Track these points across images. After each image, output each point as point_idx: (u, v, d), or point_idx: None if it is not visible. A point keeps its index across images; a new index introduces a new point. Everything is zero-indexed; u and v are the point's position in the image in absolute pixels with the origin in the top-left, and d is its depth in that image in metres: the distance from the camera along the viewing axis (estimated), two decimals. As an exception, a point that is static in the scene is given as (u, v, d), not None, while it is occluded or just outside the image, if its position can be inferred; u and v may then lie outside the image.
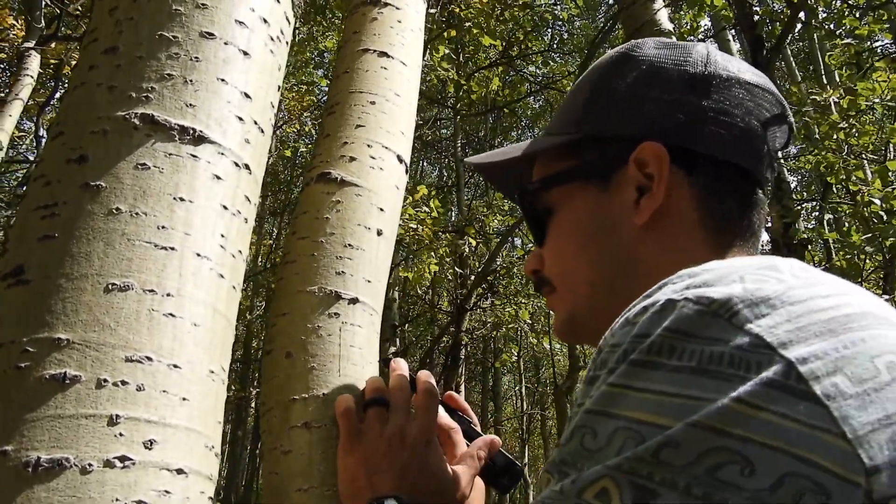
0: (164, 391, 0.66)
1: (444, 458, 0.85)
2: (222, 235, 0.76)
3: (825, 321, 0.43)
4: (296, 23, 0.99)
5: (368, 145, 1.07)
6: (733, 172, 0.69)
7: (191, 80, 0.77)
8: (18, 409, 0.60)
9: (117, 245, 0.68)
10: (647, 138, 0.68)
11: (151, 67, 0.76)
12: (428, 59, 8.13)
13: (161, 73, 0.76)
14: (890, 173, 4.47)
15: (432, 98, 11.30)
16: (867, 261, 5.14)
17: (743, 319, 0.43)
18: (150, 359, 0.66)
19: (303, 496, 0.84)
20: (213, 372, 0.72)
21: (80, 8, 6.66)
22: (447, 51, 8.60)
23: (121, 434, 0.62)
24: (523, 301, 9.28)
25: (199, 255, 0.73)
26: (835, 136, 4.96)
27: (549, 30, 13.39)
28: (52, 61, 7.41)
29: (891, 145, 5.41)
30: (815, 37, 8.38)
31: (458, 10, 7.68)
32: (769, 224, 3.92)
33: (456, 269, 8.97)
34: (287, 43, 0.94)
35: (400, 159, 1.12)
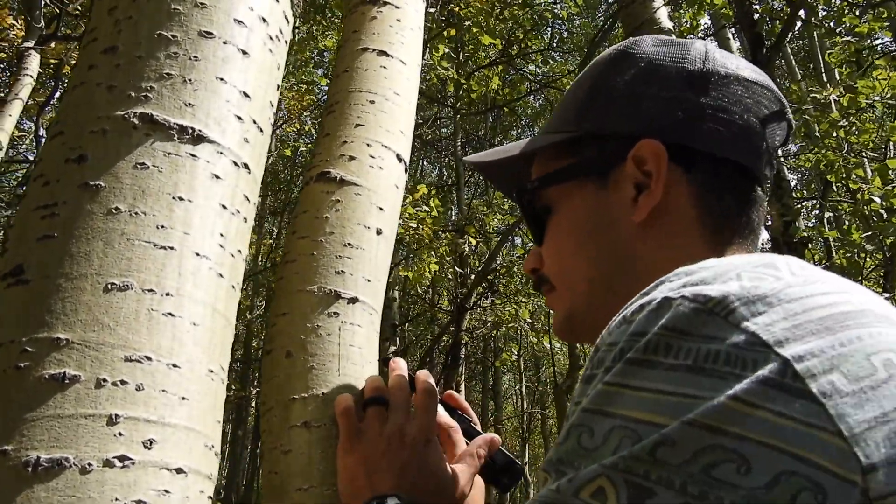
0: (163, 391, 0.66)
1: (444, 457, 0.85)
2: (221, 235, 0.76)
3: (822, 319, 0.43)
4: (295, 22, 0.98)
5: (368, 144, 1.07)
6: (732, 170, 0.69)
7: (190, 80, 0.77)
8: (18, 408, 0.60)
9: (116, 245, 0.68)
10: (646, 136, 0.68)
11: (150, 67, 0.76)
12: (428, 58, 8.13)
13: (160, 73, 0.76)
14: (890, 171, 4.47)
15: (432, 97, 11.30)
16: (867, 259, 5.14)
17: (739, 317, 0.43)
18: (149, 358, 0.66)
19: (303, 495, 0.84)
20: (212, 371, 0.72)
21: (79, 7, 6.66)
22: (447, 50, 8.59)
23: (120, 434, 0.62)
24: (523, 300, 9.29)
25: (198, 254, 0.73)
26: (835, 135, 4.96)
27: (549, 28, 13.39)
28: (52, 61, 7.41)
29: (891, 143, 5.41)
30: (815, 35, 8.37)
31: (457, 8, 7.67)
32: (769, 222, 3.92)
33: (456, 268, 8.98)
34: (286, 42, 0.94)
35: (399, 158, 1.12)
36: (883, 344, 0.42)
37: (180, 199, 0.73)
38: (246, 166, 0.82)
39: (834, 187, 6.14)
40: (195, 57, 0.78)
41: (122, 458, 0.61)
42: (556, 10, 10.99)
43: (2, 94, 5.90)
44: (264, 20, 0.87)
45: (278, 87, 0.93)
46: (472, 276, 9.02)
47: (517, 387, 17.54)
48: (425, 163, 16.87)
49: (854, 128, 5.07)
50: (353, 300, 0.96)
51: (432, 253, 6.94)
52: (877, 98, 4.94)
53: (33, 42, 5.88)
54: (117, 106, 0.74)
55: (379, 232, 1.03)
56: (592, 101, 0.74)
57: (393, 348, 7.73)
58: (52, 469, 0.58)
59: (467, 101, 9.97)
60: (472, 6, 7.70)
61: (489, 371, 15.49)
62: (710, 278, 0.47)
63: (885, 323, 0.44)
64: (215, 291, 0.74)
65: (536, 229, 0.78)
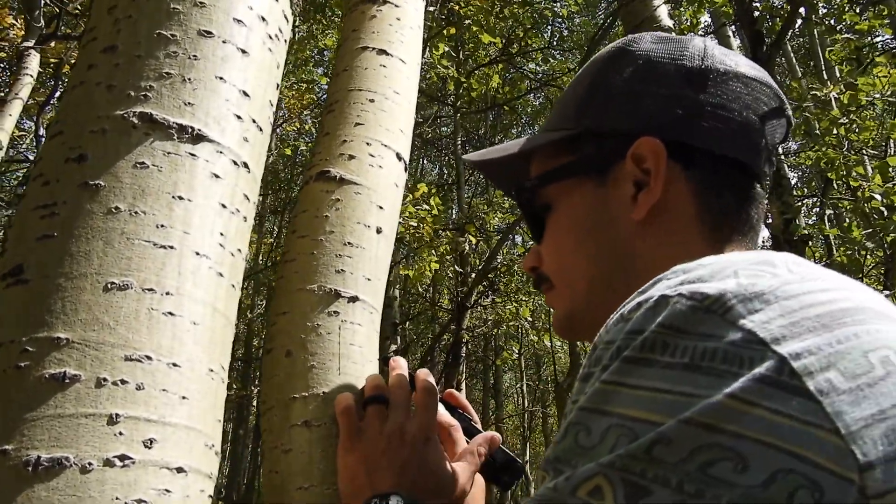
0: (163, 390, 0.66)
1: (444, 456, 0.85)
2: (221, 234, 0.76)
3: (819, 316, 0.43)
4: (294, 21, 0.98)
5: (368, 143, 1.07)
6: (731, 167, 0.69)
7: (189, 79, 0.77)
8: (18, 408, 0.60)
9: (116, 244, 0.68)
10: (645, 133, 0.68)
11: (150, 66, 0.76)
12: (428, 57, 8.12)
13: (159, 72, 0.76)
14: (890, 169, 4.47)
15: (432, 96, 11.30)
16: (868, 257, 5.14)
17: (736, 315, 0.43)
18: (149, 358, 0.66)
19: (303, 494, 0.84)
20: (212, 370, 0.72)
21: (79, 7, 6.66)
22: (447, 48, 8.58)
23: (120, 433, 0.62)
24: (524, 298, 9.29)
25: (198, 253, 0.73)
26: (835, 132, 4.96)
27: (549, 27, 13.38)
28: (52, 60, 7.42)
29: (891, 141, 5.40)
30: (816, 32, 8.37)
31: (457, 7, 7.67)
32: (770, 220, 3.91)
33: (456, 266, 8.98)
34: (285, 41, 0.94)
35: (399, 157, 1.12)
36: (880, 341, 0.42)
37: (180, 198, 0.73)
38: (245, 165, 0.82)
39: (834, 185, 6.14)
40: (194, 56, 0.78)
41: (122, 458, 0.61)
42: (556, 9, 10.98)
43: (2, 94, 5.91)
44: (263, 19, 0.87)
45: (278, 86, 0.93)
46: (473, 275, 9.02)
47: (518, 385, 17.55)
48: (425, 161, 16.87)
49: (854, 125, 5.06)
50: (354, 299, 0.96)
51: (433, 251, 6.94)
52: (877, 95, 4.93)
53: (33, 41, 5.88)
54: (117, 105, 0.74)
55: (379, 231, 1.03)
56: (591, 99, 0.74)
57: (394, 347, 7.73)
58: (53, 468, 0.58)
59: (467, 100, 9.97)
60: (472, 4, 7.69)
61: (490, 369, 15.50)
62: (707, 276, 0.47)
63: (883, 320, 0.44)
64: (215, 290, 0.74)
65: (535, 227, 0.78)
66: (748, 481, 0.38)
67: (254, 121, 0.84)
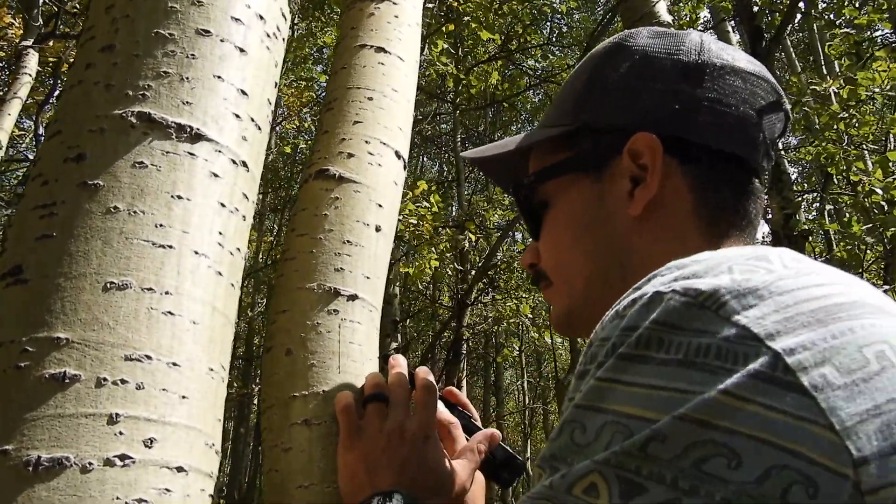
0: (163, 389, 0.66)
1: (444, 453, 0.85)
2: (220, 233, 0.76)
3: (814, 311, 0.43)
4: (293, 18, 0.98)
5: (366, 141, 1.07)
6: (728, 162, 0.69)
7: (187, 78, 0.77)
8: (18, 408, 0.60)
9: (115, 244, 0.68)
10: (641, 129, 0.68)
11: (148, 65, 0.76)
12: (427, 54, 8.11)
13: (157, 71, 0.76)
14: (890, 163, 4.46)
15: (431, 93, 11.29)
16: (868, 251, 5.14)
17: (730, 311, 0.43)
18: (149, 357, 0.66)
19: (303, 493, 0.84)
20: (212, 370, 0.72)
21: (77, 5, 6.65)
22: (446, 45, 8.57)
23: (121, 433, 0.62)
24: (524, 295, 9.29)
25: (197, 252, 0.73)
26: (835, 127, 4.96)
27: (548, 23, 13.37)
28: (51, 59, 7.41)
29: (891, 135, 5.40)
30: (815, 27, 8.36)
31: (456, 4, 7.66)
32: (770, 215, 3.91)
33: (456, 264, 8.98)
34: (283, 39, 0.94)
35: (398, 155, 1.12)
36: (876, 336, 0.42)
37: (179, 197, 0.73)
38: (244, 164, 0.82)
39: (834, 180, 6.14)
40: (192, 55, 0.78)
41: (122, 457, 0.61)
42: (555, 5, 10.97)
43: (1, 93, 5.90)
44: (261, 17, 0.87)
45: (276, 84, 0.93)
46: (473, 272, 9.02)
47: (519, 382, 17.57)
48: (425, 159, 16.87)
49: (854, 120, 5.06)
50: (353, 297, 0.96)
51: (433, 249, 6.94)
52: (877, 90, 4.93)
53: (32, 40, 5.87)
54: (115, 105, 0.74)
55: (378, 229, 1.03)
56: (588, 95, 0.74)
57: (394, 345, 7.74)
58: (53, 468, 0.58)
59: (467, 97, 9.96)
60: (471, 1, 7.68)
61: (491, 366, 15.51)
62: (701, 272, 0.47)
63: (879, 315, 0.44)
64: (214, 290, 0.74)
65: (533, 224, 0.78)
66: (742, 477, 0.38)
67: (252, 119, 0.84)
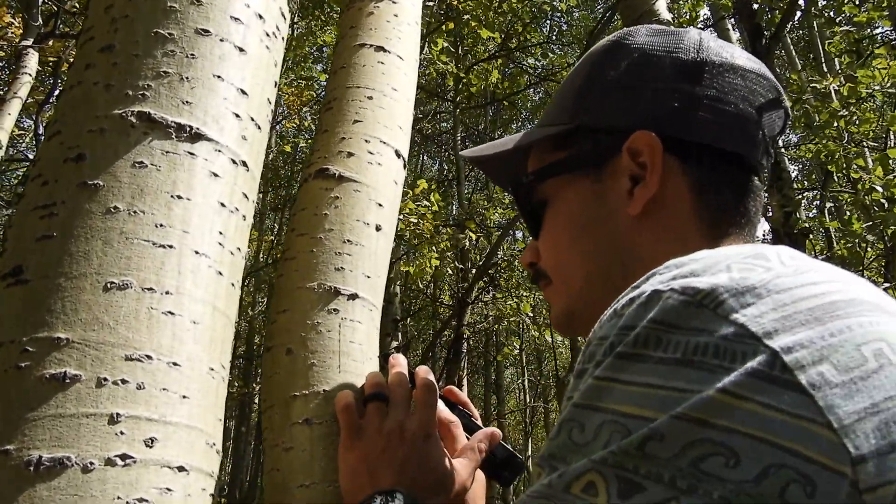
0: (164, 389, 0.66)
1: (445, 452, 0.85)
2: (220, 233, 0.76)
3: (811, 309, 0.43)
4: (293, 18, 0.98)
5: (366, 140, 1.07)
6: (728, 160, 0.69)
7: (187, 78, 0.77)
8: (19, 408, 0.60)
9: (116, 244, 0.68)
10: (641, 127, 0.68)
11: (147, 65, 0.76)
12: (427, 53, 8.11)
13: (157, 71, 0.76)
14: (891, 161, 4.46)
15: (431, 91, 11.29)
16: (868, 249, 5.13)
17: (728, 309, 0.43)
18: (149, 357, 0.66)
19: (304, 492, 0.84)
20: (212, 369, 0.72)
21: (76, 5, 6.65)
22: (446, 44, 8.57)
23: (121, 432, 0.62)
24: (525, 294, 9.28)
25: (197, 252, 0.73)
26: (835, 124, 4.95)
27: (548, 21, 13.37)
28: (51, 59, 7.41)
29: (891, 133, 5.40)
30: (815, 24, 8.35)
31: (456, 2, 7.65)
32: (770, 213, 3.91)
33: (457, 263, 8.98)
34: (283, 39, 0.94)
35: (398, 154, 1.12)
36: (873, 333, 0.42)
37: (179, 197, 0.73)
38: (244, 164, 0.82)
39: (835, 177, 6.13)
40: (192, 55, 0.78)
41: (123, 457, 0.61)
42: (554, 3, 10.96)
43: (1, 93, 5.90)
44: (261, 17, 0.87)
45: (276, 83, 0.93)
46: (474, 271, 9.02)
47: (520, 381, 17.58)
48: (425, 157, 16.86)
49: (854, 117, 5.06)
50: (353, 297, 0.96)
51: (433, 248, 6.94)
52: (877, 87, 4.92)
53: (31, 40, 5.87)
54: (115, 105, 0.74)
55: (378, 228, 1.03)
56: (587, 94, 0.73)
57: (395, 343, 7.74)
58: (54, 468, 0.58)
59: (467, 95, 9.97)
60: (471, -1, 7.68)
61: (491, 365, 15.51)
62: (699, 270, 0.47)
63: (877, 312, 0.44)
64: (215, 289, 0.74)
65: (533, 223, 0.78)
66: (740, 476, 0.38)
67: (252, 119, 0.84)
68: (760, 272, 0.46)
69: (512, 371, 18.69)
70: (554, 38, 13.26)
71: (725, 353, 0.41)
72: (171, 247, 0.71)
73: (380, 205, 1.05)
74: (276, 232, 14.74)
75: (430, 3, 7.19)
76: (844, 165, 4.99)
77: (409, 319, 12.98)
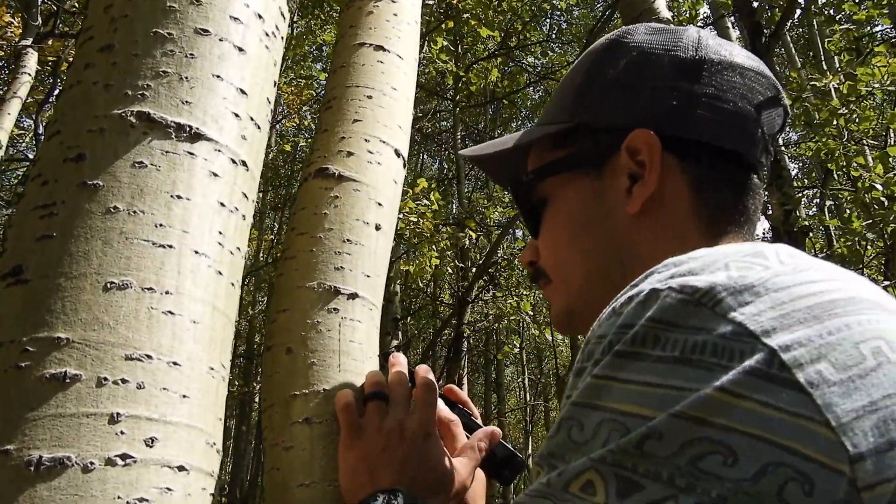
0: (164, 389, 0.66)
1: (445, 451, 0.85)
2: (220, 232, 0.76)
3: (810, 307, 0.43)
4: (292, 17, 0.98)
5: (366, 140, 1.07)
6: (727, 158, 0.69)
7: (186, 77, 0.77)
8: (19, 408, 0.60)
9: (115, 243, 0.68)
10: (640, 126, 0.68)
11: (147, 65, 0.76)
12: (426, 51, 8.10)
13: (156, 71, 0.76)
14: (891, 159, 4.46)
15: (431, 90, 11.28)
16: (868, 247, 5.13)
17: (726, 308, 0.43)
18: (149, 357, 0.66)
19: (304, 491, 0.84)
20: (212, 369, 0.73)
21: (76, 4, 6.64)
22: (445, 42, 8.57)
23: (122, 432, 0.62)
24: (525, 293, 9.29)
25: (197, 252, 0.73)
26: (835, 123, 4.95)
27: (548, 20, 13.36)
28: (50, 58, 7.40)
29: (891, 131, 5.39)
30: (815, 22, 8.34)
31: (455, 1, 7.65)
32: (770, 212, 3.91)
33: (457, 261, 8.97)
34: (282, 38, 0.94)
35: (398, 153, 1.12)
36: (872, 332, 0.42)
37: (178, 197, 0.73)
38: (244, 163, 0.82)
39: (834, 175, 6.13)
40: (191, 54, 0.78)
41: (123, 457, 0.61)
42: (554, 1, 10.95)
43: (0, 92, 5.90)
44: (260, 17, 0.87)
45: (275, 83, 0.93)
46: (474, 270, 9.02)
47: (520, 379, 17.59)
48: (425, 156, 16.86)
49: (854, 115, 5.06)
50: (353, 296, 0.96)
51: (433, 247, 6.94)
52: (876, 85, 4.92)
53: (31, 40, 5.87)
54: (114, 105, 0.74)
55: (378, 227, 1.03)
56: (586, 92, 0.73)
57: (395, 342, 7.74)
58: (55, 468, 0.59)
59: (466, 94, 9.96)
60: (470, -2, 7.67)
61: (492, 364, 15.51)
62: (697, 269, 0.47)
63: (876, 310, 0.44)
64: (215, 289, 0.75)
65: (532, 222, 0.78)
66: (738, 475, 0.38)
67: (252, 119, 0.84)
68: (759, 270, 0.46)
69: (512, 369, 18.70)
70: (553, 36, 13.25)
71: (724, 351, 0.41)
72: (170, 246, 0.71)
73: (379, 204, 1.05)
74: (276, 231, 14.74)
75: (430, 2, 7.19)
76: (844, 163, 4.99)
77: (409, 318, 12.98)
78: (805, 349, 0.40)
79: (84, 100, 0.75)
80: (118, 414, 0.62)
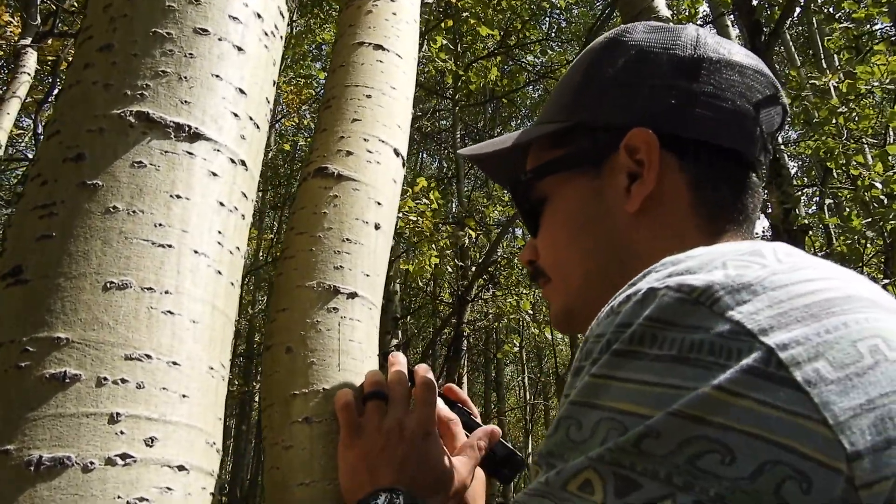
0: (163, 388, 0.66)
1: (444, 450, 0.85)
2: (219, 232, 0.76)
3: (807, 306, 0.43)
4: (291, 16, 0.98)
5: (365, 139, 1.07)
6: (726, 156, 0.69)
7: (185, 77, 0.77)
8: (19, 408, 0.60)
9: (115, 243, 0.68)
10: (638, 124, 0.68)
11: (146, 65, 0.76)
12: (426, 50, 8.10)
13: (156, 70, 0.76)
14: (890, 157, 4.46)
15: (431, 89, 11.28)
16: (868, 245, 5.14)
17: (724, 306, 0.43)
18: (149, 356, 0.66)
19: (304, 490, 0.84)
20: (212, 368, 0.73)
21: (75, 4, 6.64)
22: (445, 41, 8.56)
23: (122, 432, 0.62)
24: (524, 291, 9.29)
25: (196, 252, 0.73)
26: (834, 121, 4.95)
27: (547, 18, 13.35)
28: (49, 58, 7.40)
29: (890, 129, 5.40)
30: (815, 21, 8.34)
31: (454, 0, 7.64)
32: (769, 210, 3.91)
33: (457, 260, 8.97)
34: (281, 38, 0.94)
35: (397, 153, 1.12)
36: (870, 330, 0.42)
37: (178, 196, 0.73)
38: (243, 163, 0.82)
39: (834, 174, 6.13)
40: (190, 54, 0.78)
41: (123, 456, 0.61)
42: (553, 0, 10.94)
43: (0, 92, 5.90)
44: (259, 16, 0.87)
45: (274, 83, 0.93)
46: (473, 269, 9.02)
47: (520, 378, 17.59)
48: (425, 155, 16.86)
49: (854, 114, 5.06)
50: (353, 295, 0.96)
51: (433, 246, 6.94)
52: (876, 84, 4.92)
53: (30, 39, 5.87)
54: (114, 104, 0.74)
55: (377, 227, 1.03)
56: (585, 91, 0.73)
57: (395, 341, 7.74)
58: (55, 468, 0.59)
59: (466, 93, 9.95)
60: (470, -3, 7.67)
61: (491, 363, 15.52)
62: (695, 268, 0.47)
63: (874, 308, 0.44)
64: (214, 289, 0.75)
65: (531, 221, 0.78)
66: (736, 473, 0.38)
67: (251, 118, 0.84)
68: (756, 269, 0.46)
69: (512, 368, 18.70)
70: (553, 35, 13.25)
71: (721, 350, 0.41)
72: (170, 246, 0.71)
73: (379, 203, 1.05)
74: (276, 230, 14.74)
75: (429, 1, 7.18)
76: (844, 162, 4.99)
77: (408, 317, 12.98)
78: (802, 347, 0.40)
79: (83, 100, 0.75)
80: (118, 414, 0.62)
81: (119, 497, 0.60)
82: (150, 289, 0.68)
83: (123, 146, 0.72)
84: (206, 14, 0.81)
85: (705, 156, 0.68)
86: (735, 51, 0.71)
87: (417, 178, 6.77)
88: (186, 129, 0.75)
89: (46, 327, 0.64)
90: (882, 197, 4.48)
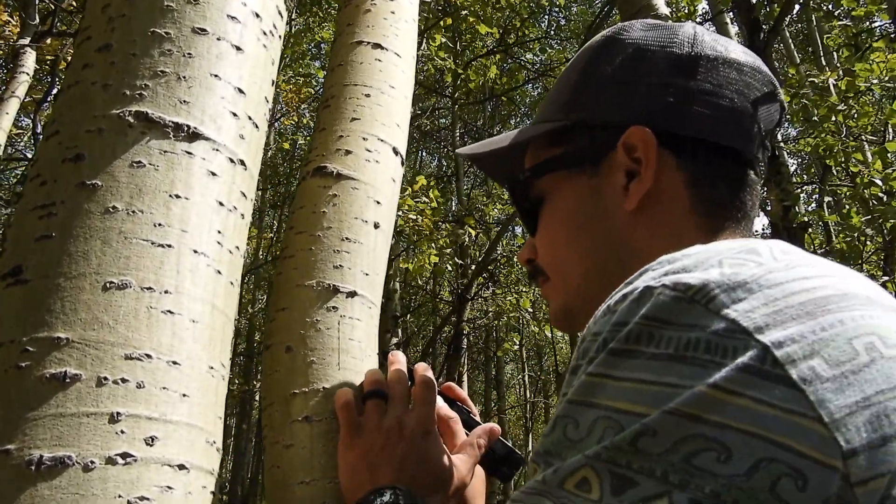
0: (164, 388, 0.66)
1: (444, 449, 0.85)
2: (219, 232, 0.77)
3: (803, 304, 0.43)
4: (290, 16, 0.98)
5: (364, 138, 1.07)
6: (724, 154, 0.69)
7: (184, 77, 0.77)
8: (20, 408, 0.61)
9: (114, 243, 0.68)
10: (636, 122, 0.68)
11: (145, 64, 0.76)
12: (425, 49, 8.10)
13: (154, 70, 0.76)
14: (889, 154, 4.46)
15: (430, 87, 11.27)
16: (867, 243, 5.14)
17: (719, 305, 0.43)
18: (149, 356, 0.66)
19: (305, 489, 0.84)
20: (212, 368, 0.73)
21: (74, 3, 6.63)
22: (444, 40, 8.56)
23: (122, 431, 0.62)
24: (524, 290, 9.30)
25: (196, 251, 0.73)
26: (834, 118, 4.95)
27: (546, 16, 13.35)
28: (48, 57, 7.40)
29: (890, 126, 5.40)
30: (814, 18, 8.34)
31: (453, -2, 7.64)
32: (769, 207, 3.91)
33: (456, 259, 8.97)
34: (280, 37, 0.94)
35: (396, 151, 1.12)
36: (865, 327, 0.42)
37: (177, 196, 0.73)
38: (242, 163, 0.82)
39: (833, 171, 6.14)
40: (189, 54, 0.78)
41: (124, 456, 0.62)
42: (552, -2, 10.94)
43: (-1, 92, 5.89)
44: (257, 15, 0.87)
45: (273, 82, 0.93)
46: (473, 267, 9.02)
47: (520, 376, 17.60)
48: (424, 154, 16.86)
49: (853, 111, 5.06)
50: (352, 294, 0.96)
51: (432, 244, 6.94)
52: (875, 81, 4.92)
53: (29, 39, 5.86)
54: (113, 104, 0.74)
55: (376, 226, 1.03)
56: (582, 89, 0.73)
57: (395, 340, 7.74)
58: (55, 467, 0.59)
59: (465, 91, 9.95)
60: (469, -5, 7.66)
61: (491, 361, 15.53)
62: (691, 266, 0.47)
63: (870, 306, 0.44)
64: (214, 288, 0.75)
65: (530, 220, 0.78)
66: (731, 471, 0.38)
67: (250, 118, 0.84)
68: (752, 267, 0.46)
69: (512, 367, 18.71)
70: (552, 33, 13.24)
71: (717, 348, 0.41)
72: (169, 246, 0.71)
73: (378, 202, 1.05)
74: (276, 229, 14.74)
75: (428, 0, 7.18)
76: (843, 159, 4.99)
77: (408, 316, 12.99)
78: (798, 345, 0.41)
79: (82, 100, 0.75)
80: (118, 413, 0.63)
81: (120, 496, 0.60)
82: (150, 288, 0.68)
83: (122, 146, 0.72)
84: (205, 14, 0.81)
85: (703, 153, 0.68)
86: (732, 48, 0.71)
87: (417, 176, 6.77)
88: (185, 128, 0.75)
89: (46, 327, 0.64)
90: (881, 194, 4.48)
